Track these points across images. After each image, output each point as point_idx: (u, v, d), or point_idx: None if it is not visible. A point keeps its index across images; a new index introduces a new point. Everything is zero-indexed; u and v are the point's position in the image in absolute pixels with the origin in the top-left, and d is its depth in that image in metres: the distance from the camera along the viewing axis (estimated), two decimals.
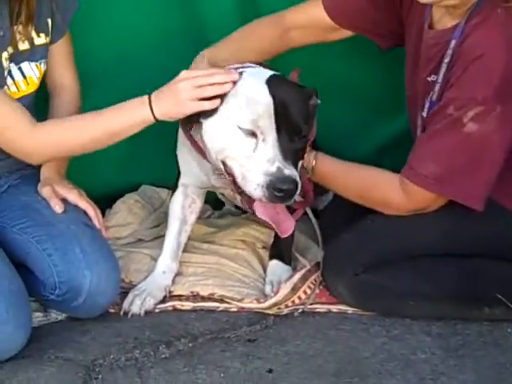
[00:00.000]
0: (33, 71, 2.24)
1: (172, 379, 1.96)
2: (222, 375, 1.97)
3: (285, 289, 2.25)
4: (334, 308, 2.26)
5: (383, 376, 1.97)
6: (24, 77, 2.22)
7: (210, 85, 2.01)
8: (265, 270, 2.39)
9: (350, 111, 2.76)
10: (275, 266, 2.37)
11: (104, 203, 2.65)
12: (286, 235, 2.14)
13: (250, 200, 2.05)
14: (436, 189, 2.12)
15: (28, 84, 2.23)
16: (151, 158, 2.75)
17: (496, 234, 2.21)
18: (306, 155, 2.18)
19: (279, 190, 1.96)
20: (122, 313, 2.23)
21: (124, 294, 2.28)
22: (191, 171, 2.34)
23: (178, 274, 2.36)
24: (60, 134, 2.12)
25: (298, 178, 1.98)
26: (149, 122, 2.06)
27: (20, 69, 2.21)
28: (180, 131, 2.28)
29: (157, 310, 2.26)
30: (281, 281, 2.30)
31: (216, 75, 2.04)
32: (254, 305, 2.24)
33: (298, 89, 2.09)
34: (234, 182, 2.06)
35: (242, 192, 2.06)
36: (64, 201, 2.23)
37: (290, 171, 1.97)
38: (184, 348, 2.08)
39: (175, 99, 2.02)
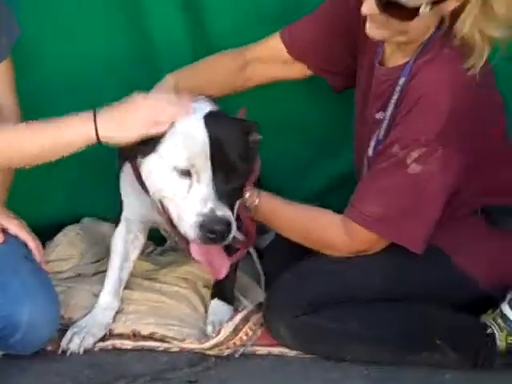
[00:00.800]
0: None
1: None
2: None
3: (226, 329, 2.25)
4: (275, 350, 2.27)
5: None
6: None
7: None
8: (206, 310, 2.39)
9: (296, 147, 2.78)
10: (217, 305, 2.37)
11: (45, 235, 2.63)
12: (220, 277, 2.15)
13: (185, 240, 2.06)
14: (377, 229, 2.14)
15: None
16: (93, 191, 2.72)
17: (438, 279, 2.23)
18: (248, 194, 2.19)
19: (211, 231, 1.97)
20: (60, 351, 2.19)
21: (63, 330, 2.24)
22: (133, 204, 2.33)
23: (119, 311, 2.34)
24: None
25: (231, 219, 2.00)
26: (91, 141, 2.00)
27: None
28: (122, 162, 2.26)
29: (96, 349, 2.23)
30: (222, 321, 2.30)
31: (169, 108, 2.03)
32: (195, 345, 2.24)
33: (235, 125, 2.10)
34: (171, 221, 2.07)
35: (178, 232, 2.06)
36: (4, 231, 2.20)
37: (222, 212, 1.98)
38: None
39: (123, 121, 2.00)
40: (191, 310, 2.39)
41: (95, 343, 2.23)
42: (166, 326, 2.29)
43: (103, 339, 2.26)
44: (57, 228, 2.68)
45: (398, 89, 2.15)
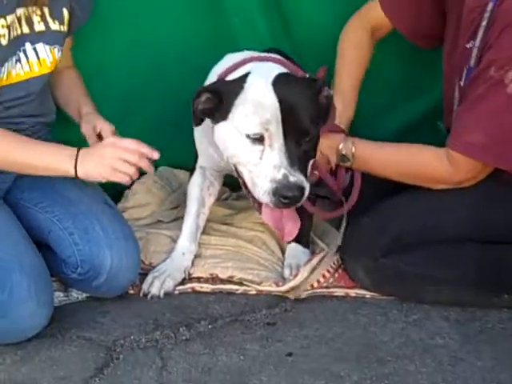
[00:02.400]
0: (46, 54, 2.22)
1: (192, 361, 1.97)
2: (242, 357, 1.99)
3: (303, 272, 2.26)
4: (352, 292, 2.27)
5: (402, 361, 1.98)
6: (38, 58, 2.21)
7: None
8: (283, 253, 2.40)
9: (372, 93, 2.72)
10: (294, 249, 2.38)
11: (122, 185, 2.67)
12: (288, 240, 2.19)
13: (258, 202, 2.08)
14: (482, 157, 2.11)
15: (41, 66, 2.22)
16: (169, 140, 2.72)
17: None
18: (343, 144, 2.22)
19: (285, 196, 1.98)
20: (141, 294, 2.24)
21: (143, 275, 2.29)
22: (208, 154, 2.34)
23: (197, 256, 2.37)
24: None
25: (304, 184, 2.00)
26: (70, 175, 2.08)
27: (35, 49, 2.20)
28: None
29: (176, 292, 2.27)
30: (299, 264, 2.31)
31: (140, 151, 2.09)
32: (273, 288, 2.26)
33: (305, 86, 2.08)
34: (245, 184, 2.09)
35: (251, 195, 2.08)
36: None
37: (295, 178, 1.99)
38: (204, 330, 2.10)
39: (99, 163, 2.07)
40: (268, 254, 2.41)
41: (175, 286, 2.27)
42: (243, 269, 2.32)
43: (183, 283, 2.30)
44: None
45: (486, 15, 2.10)
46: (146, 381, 1.90)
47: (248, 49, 2.31)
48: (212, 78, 2.27)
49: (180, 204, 2.60)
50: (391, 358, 1.99)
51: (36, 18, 2.19)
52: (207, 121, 2.15)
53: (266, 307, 2.21)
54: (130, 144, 2.09)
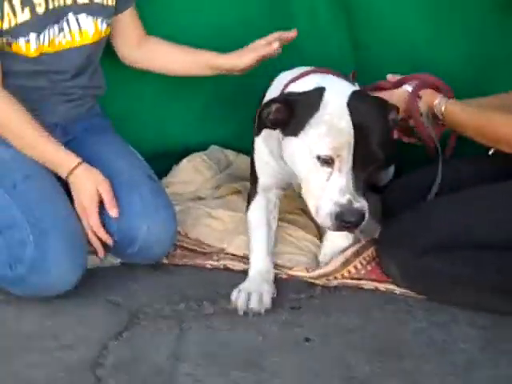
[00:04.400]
0: (88, 24, 2.27)
1: (211, 335, 2.01)
2: (260, 338, 2.01)
3: (336, 261, 2.27)
4: (382, 287, 2.26)
5: (418, 360, 1.96)
6: (79, 28, 2.26)
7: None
8: (321, 237, 2.40)
9: None
10: (332, 236, 2.35)
11: (170, 159, 2.73)
12: None
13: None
14: None
15: (82, 36, 2.27)
16: (221, 119, 2.77)
17: None
18: (437, 101, 2.23)
19: (346, 221, 1.99)
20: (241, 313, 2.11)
21: (179, 246, 2.35)
22: (271, 171, 2.31)
23: (234, 232, 2.40)
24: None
25: (366, 209, 2.01)
26: (60, 174, 2.16)
27: (77, 20, 2.25)
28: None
29: (208, 266, 2.31)
30: (335, 252, 2.30)
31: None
32: (303, 273, 2.27)
33: (378, 109, 2.06)
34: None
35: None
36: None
37: (359, 204, 1.99)
38: (228, 307, 2.12)
39: (83, 192, 2.15)
40: (308, 237, 2.41)
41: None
42: (277, 253, 2.33)
43: (217, 259, 2.33)
44: (184, 154, 2.76)
45: None
46: (162, 349, 1.94)
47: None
48: (276, 86, 2.26)
49: (225, 183, 2.64)
50: (408, 355, 1.98)
51: None
52: (268, 134, 2.15)
53: (292, 292, 2.22)
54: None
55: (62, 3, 2.22)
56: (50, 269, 2.03)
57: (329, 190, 2.00)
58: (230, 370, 1.88)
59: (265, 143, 2.25)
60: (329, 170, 2.00)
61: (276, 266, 2.30)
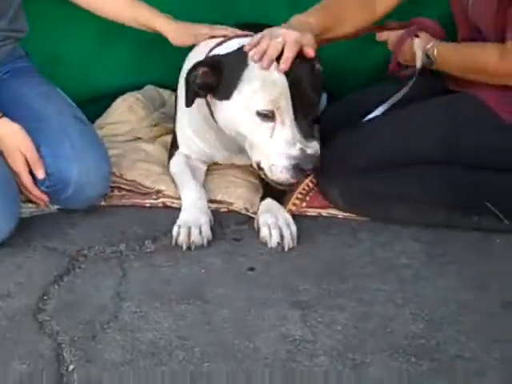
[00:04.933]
0: None
1: (153, 272, 1.98)
2: (203, 270, 1.99)
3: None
4: (325, 212, 2.25)
5: (363, 278, 1.96)
6: None
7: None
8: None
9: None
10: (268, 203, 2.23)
11: (106, 102, 2.67)
12: None
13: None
14: None
15: None
16: (155, 59, 2.71)
17: (497, 145, 2.16)
18: (430, 45, 2.24)
19: (305, 170, 1.97)
20: (184, 247, 2.07)
21: (116, 188, 2.31)
22: (192, 143, 2.30)
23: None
24: None
25: (318, 151, 1.99)
26: None
27: None
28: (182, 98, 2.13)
29: (147, 205, 2.27)
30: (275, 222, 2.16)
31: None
32: (243, 212, 2.24)
33: (303, 61, 2.02)
34: (258, 166, 2.05)
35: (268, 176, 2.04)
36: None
37: (312, 149, 1.97)
38: (169, 243, 2.09)
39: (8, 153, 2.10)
40: (245, 173, 2.36)
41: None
42: (214, 189, 2.30)
43: (155, 198, 2.29)
44: (118, 96, 2.69)
45: None
46: (104, 290, 1.90)
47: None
48: (201, 50, 2.22)
49: (160, 123, 2.59)
50: (353, 275, 1.98)
51: None
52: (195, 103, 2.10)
53: (234, 223, 2.20)
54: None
55: None
56: None
57: (277, 145, 1.98)
58: (174, 304, 1.85)
59: (189, 118, 2.23)
60: (271, 124, 1.98)
61: (216, 201, 2.27)
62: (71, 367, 1.65)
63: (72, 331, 1.75)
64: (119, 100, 2.64)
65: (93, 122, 2.49)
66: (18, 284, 1.92)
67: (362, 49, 2.67)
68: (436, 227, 2.17)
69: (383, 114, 2.30)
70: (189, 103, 2.07)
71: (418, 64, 2.29)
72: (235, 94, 2.00)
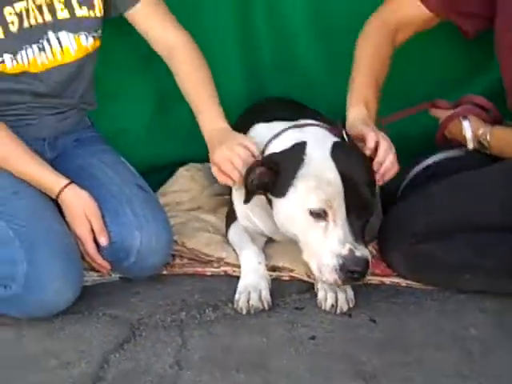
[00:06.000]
0: (70, 42, 2.22)
1: (213, 340, 1.96)
2: (264, 340, 1.95)
3: None
4: (387, 280, 2.21)
5: (429, 350, 1.91)
6: (61, 46, 2.21)
7: None
8: None
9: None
10: None
11: (168, 171, 2.70)
12: None
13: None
14: None
15: (63, 54, 2.22)
16: None
17: None
18: (482, 131, 2.25)
19: (352, 271, 1.95)
20: (244, 313, 2.06)
21: (177, 256, 2.32)
22: (252, 221, 2.30)
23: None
24: None
25: (369, 257, 1.98)
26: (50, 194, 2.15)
27: (58, 38, 2.21)
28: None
29: (208, 273, 2.27)
30: None
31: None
32: (305, 278, 2.22)
33: (361, 158, 2.05)
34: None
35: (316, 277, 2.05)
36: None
37: (361, 252, 1.96)
38: (230, 312, 2.07)
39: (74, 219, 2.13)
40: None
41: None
42: (274, 256, 2.29)
43: (217, 266, 2.29)
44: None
45: None
46: (164, 357, 1.89)
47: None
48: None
49: (222, 193, 2.60)
50: (417, 346, 1.92)
51: (59, 6, 2.19)
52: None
53: (296, 292, 2.17)
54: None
55: (40, 20, 2.18)
56: (44, 285, 1.98)
57: (328, 244, 1.97)
58: (235, 373, 1.83)
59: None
60: (323, 223, 1.98)
61: (276, 268, 2.25)
62: None
63: None
64: (182, 169, 2.66)
65: (155, 191, 2.51)
66: (78, 352, 1.92)
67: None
68: (502, 295, 2.11)
69: (441, 174, 2.27)
70: (247, 201, 2.10)
71: (470, 147, 2.30)
72: (290, 192, 2.01)
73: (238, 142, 2.12)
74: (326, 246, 1.97)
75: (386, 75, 2.33)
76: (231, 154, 2.09)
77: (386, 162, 2.05)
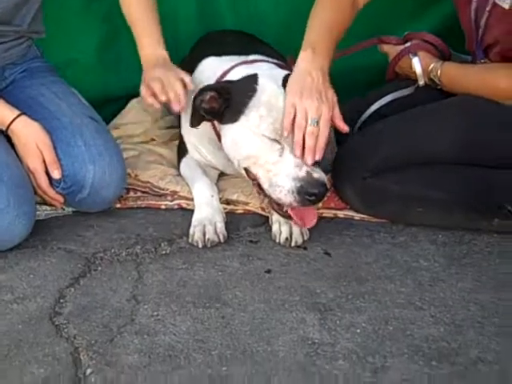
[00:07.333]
0: None
1: (169, 274, 1.96)
2: (220, 273, 1.97)
3: None
4: (341, 214, 2.24)
5: (382, 281, 1.95)
6: None
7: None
8: None
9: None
10: None
11: (120, 103, 2.66)
12: (309, 226, 2.08)
13: (277, 203, 2.02)
14: None
15: None
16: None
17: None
18: (432, 65, 2.27)
19: (310, 194, 1.94)
20: (200, 245, 2.07)
21: (131, 189, 2.31)
22: (203, 155, 2.31)
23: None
24: None
25: (326, 180, 1.97)
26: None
27: None
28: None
29: (163, 207, 2.26)
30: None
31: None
32: (259, 211, 2.23)
33: None
34: (259, 186, 2.04)
35: (268, 196, 2.03)
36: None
37: (318, 174, 1.95)
38: (185, 246, 2.08)
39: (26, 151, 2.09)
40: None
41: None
42: (227, 190, 2.29)
43: (171, 200, 2.28)
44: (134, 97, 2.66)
45: None
46: (121, 292, 1.89)
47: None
48: (207, 74, 2.23)
49: (175, 125, 2.57)
50: (372, 278, 1.96)
51: None
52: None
53: (250, 226, 2.19)
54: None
55: None
56: None
57: (284, 167, 1.97)
58: (191, 307, 1.84)
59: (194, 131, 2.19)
60: (279, 146, 1.98)
61: (230, 201, 2.26)
62: (88, 371, 1.64)
63: (89, 335, 1.74)
64: (134, 101, 2.63)
65: (107, 123, 2.48)
66: (34, 287, 1.91)
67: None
68: (454, 229, 2.15)
69: (393, 113, 2.29)
70: (194, 125, 2.09)
71: (421, 83, 2.33)
72: (242, 119, 2.01)
73: (173, 73, 2.13)
74: (281, 169, 1.97)
75: (349, 17, 2.27)
76: (164, 77, 2.10)
77: (308, 143, 1.96)
